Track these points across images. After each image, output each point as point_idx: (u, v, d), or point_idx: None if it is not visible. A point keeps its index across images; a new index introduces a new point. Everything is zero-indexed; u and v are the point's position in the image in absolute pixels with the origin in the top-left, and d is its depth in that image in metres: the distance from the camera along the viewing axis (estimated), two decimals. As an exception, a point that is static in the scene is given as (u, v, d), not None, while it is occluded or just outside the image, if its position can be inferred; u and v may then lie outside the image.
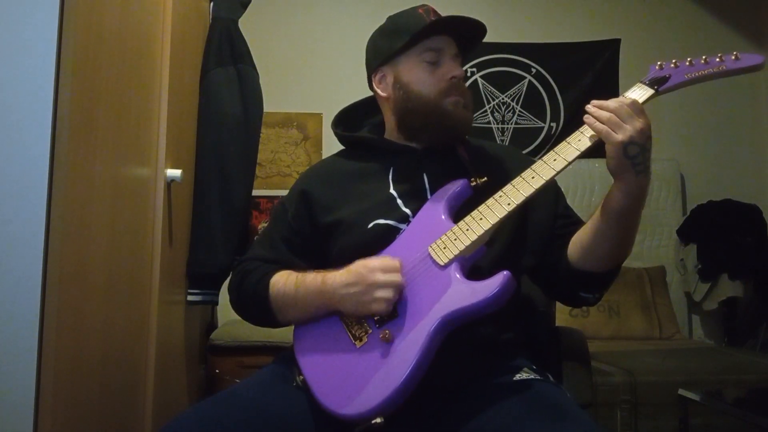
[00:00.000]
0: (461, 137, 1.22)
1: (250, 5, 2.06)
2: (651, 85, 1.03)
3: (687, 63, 1.03)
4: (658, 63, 1.05)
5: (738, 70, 1.01)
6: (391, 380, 0.93)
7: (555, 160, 1.00)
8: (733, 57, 1.00)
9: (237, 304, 1.20)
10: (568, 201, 1.25)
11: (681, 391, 2.03)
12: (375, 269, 1.00)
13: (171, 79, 1.57)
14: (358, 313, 1.02)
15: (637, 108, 0.97)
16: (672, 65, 1.04)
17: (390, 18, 1.26)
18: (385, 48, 1.22)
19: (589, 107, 1.00)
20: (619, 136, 0.94)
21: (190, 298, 1.87)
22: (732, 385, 2.28)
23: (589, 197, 3.23)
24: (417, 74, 1.19)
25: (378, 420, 0.92)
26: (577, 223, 1.17)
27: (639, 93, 1.02)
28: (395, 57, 1.21)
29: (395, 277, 1.00)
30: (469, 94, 1.21)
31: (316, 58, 3.41)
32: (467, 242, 1.01)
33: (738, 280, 3.09)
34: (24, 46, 0.97)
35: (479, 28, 1.21)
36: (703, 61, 1.02)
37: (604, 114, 0.96)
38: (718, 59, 1.01)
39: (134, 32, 1.35)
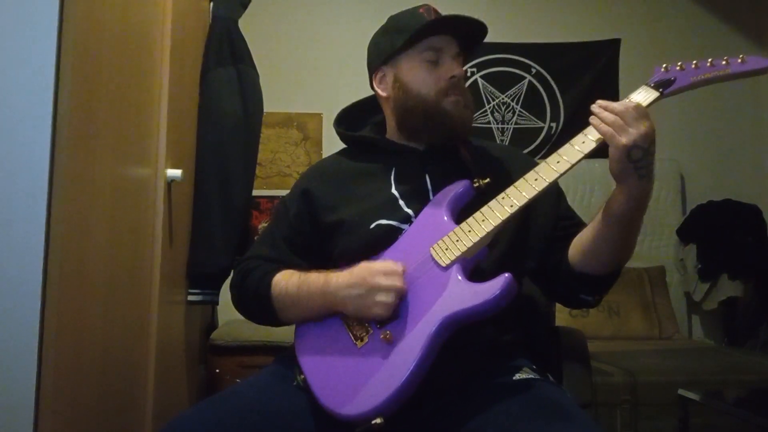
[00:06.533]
0: (461, 137, 1.21)
1: (250, 5, 2.06)
2: (656, 87, 1.01)
3: (693, 65, 1.01)
4: (664, 65, 1.03)
5: (744, 73, 0.99)
6: (391, 381, 0.93)
7: (558, 162, 1.00)
8: (739, 60, 0.99)
9: (238, 302, 1.20)
10: (568, 201, 1.25)
11: (681, 391, 2.04)
12: (377, 272, 1.00)
13: (171, 79, 1.56)
14: (359, 316, 1.02)
15: (641, 111, 0.95)
16: (677, 68, 1.02)
17: (391, 17, 1.26)
18: (386, 47, 1.22)
19: (594, 107, 0.98)
20: (623, 140, 0.93)
21: (190, 298, 1.87)
22: (732, 385, 2.28)
23: (589, 198, 3.22)
24: (417, 74, 1.18)
25: (378, 420, 0.92)
26: (579, 224, 1.16)
27: (644, 95, 1.00)
28: (395, 56, 1.21)
29: (397, 282, 0.99)
30: (469, 94, 1.21)
31: (316, 58, 3.40)
32: (469, 244, 1.00)
33: (738, 280, 3.09)
34: (24, 46, 0.96)
35: (480, 28, 1.20)
36: (708, 64, 1.00)
37: (609, 116, 0.95)
38: (723, 62, 1.00)
39: (134, 32, 1.35)
